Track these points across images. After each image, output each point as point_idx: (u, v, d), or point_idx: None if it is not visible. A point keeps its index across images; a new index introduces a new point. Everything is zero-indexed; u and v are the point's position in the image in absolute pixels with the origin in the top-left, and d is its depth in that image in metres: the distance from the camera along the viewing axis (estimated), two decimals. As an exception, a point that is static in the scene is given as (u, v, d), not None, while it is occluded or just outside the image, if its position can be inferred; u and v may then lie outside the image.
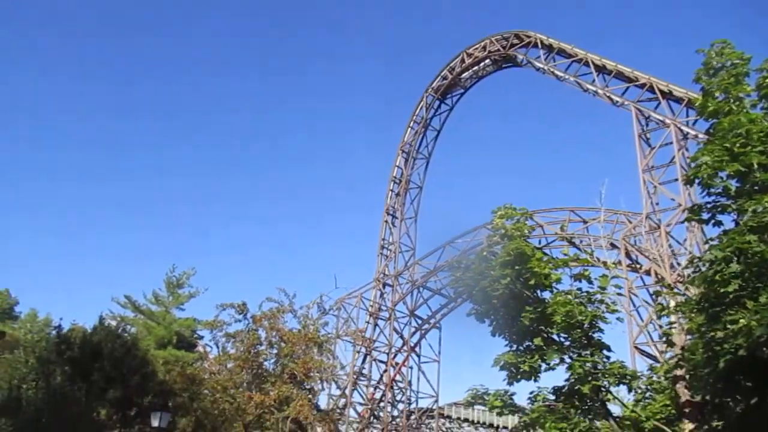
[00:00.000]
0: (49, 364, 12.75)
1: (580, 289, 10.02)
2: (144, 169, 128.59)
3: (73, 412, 11.44)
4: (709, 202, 8.84)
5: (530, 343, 10.05)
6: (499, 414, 11.21)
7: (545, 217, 36.84)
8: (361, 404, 45.77)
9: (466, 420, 52.35)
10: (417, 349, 47.27)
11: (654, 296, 15.74)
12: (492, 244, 10.69)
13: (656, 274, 28.68)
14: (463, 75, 48.29)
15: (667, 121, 33.38)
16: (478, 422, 52.52)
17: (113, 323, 29.98)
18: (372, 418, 45.55)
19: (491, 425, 51.94)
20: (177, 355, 24.61)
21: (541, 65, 40.81)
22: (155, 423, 13.16)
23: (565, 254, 10.77)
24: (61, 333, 13.98)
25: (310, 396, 17.13)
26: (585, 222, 35.84)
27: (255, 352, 17.55)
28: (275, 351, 17.82)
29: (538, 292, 10.15)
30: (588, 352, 9.63)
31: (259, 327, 17.85)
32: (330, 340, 19.29)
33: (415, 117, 50.76)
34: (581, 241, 33.55)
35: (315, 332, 18.90)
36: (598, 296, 9.87)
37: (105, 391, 12.77)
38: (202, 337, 30.55)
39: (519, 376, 10.34)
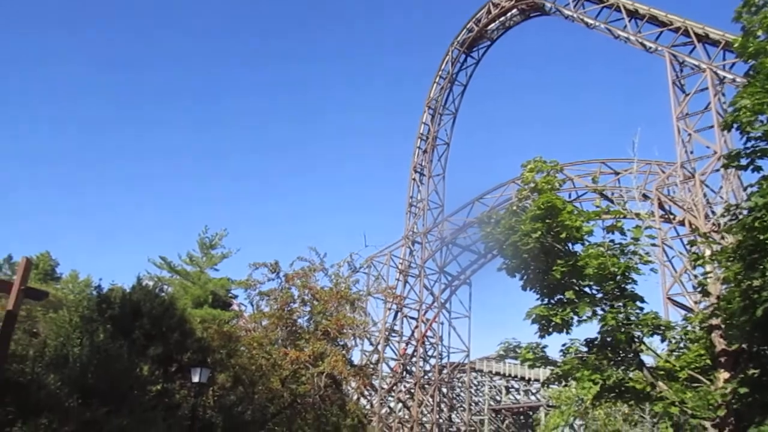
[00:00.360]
0: (92, 323, 13.23)
1: (612, 241, 9.90)
2: (180, 121, 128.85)
3: (116, 368, 11.88)
4: (747, 148, 8.55)
5: (562, 297, 10.03)
6: (531, 366, 11.29)
7: (576, 170, 36.22)
8: (393, 359, 46.64)
9: (497, 373, 53.13)
10: (447, 305, 47.70)
11: (688, 246, 15.44)
12: (522, 198, 10.59)
13: (690, 224, 28.13)
14: (490, 27, 47.07)
15: (703, 65, 32.14)
16: (509, 375, 53.24)
17: (150, 284, 30.98)
18: (404, 372, 46.43)
19: (522, 378, 52.64)
20: (213, 314, 25.22)
21: (570, 13, 39.46)
22: (195, 378, 13.58)
23: (597, 206, 10.62)
24: (101, 293, 14.46)
25: (343, 352, 17.50)
26: (617, 173, 35.18)
27: (288, 310, 17.93)
28: (308, 309, 18.17)
29: (569, 245, 10.06)
30: (621, 304, 9.57)
31: (292, 285, 18.20)
32: (361, 297, 19.53)
33: (440, 72, 49.91)
34: (613, 194, 32.98)
35: (347, 290, 19.16)
36: (631, 247, 9.75)
37: (146, 348, 13.21)
38: (236, 296, 31.26)
39: (551, 329, 10.36)
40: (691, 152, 32.28)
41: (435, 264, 47.23)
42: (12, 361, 13.39)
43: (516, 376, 53.01)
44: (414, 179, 50.18)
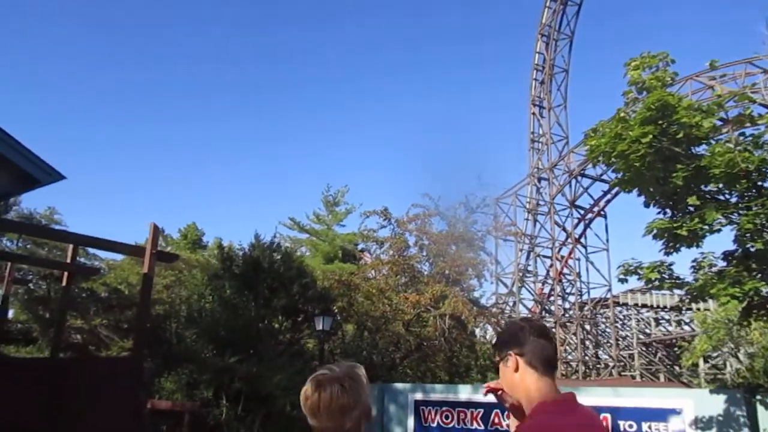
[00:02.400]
0: (219, 280, 14.12)
1: (742, 133, 8.56)
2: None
3: (243, 319, 12.60)
4: None
5: (685, 205, 8.92)
6: (658, 288, 10.27)
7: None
8: (530, 300, 45.72)
9: (644, 306, 50.19)
10: (582, 240, 45.53)
11: None
12: (629, 101, 9.46)
13: None
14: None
15: None
16: (658, 306, 50.09)
17: (287, 244, 32.76)
18: (543, 312, 45.40)
19: (673, 308, 49.29)
20: (343, 268, 26.09)
21: None
22: (319, 326, 14.02)
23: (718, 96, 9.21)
24: (224, 252, 15.36)
25: (463, 293, 17.26)
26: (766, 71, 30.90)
27: (406, 256, 17.96)
28: (425, 253, 18.08)
29: (690, 147, 8.86)
30: (758, 205, 8.27)
31: (405, 231, 18.18)
32: (480, 237, 19.10)
33: (551, -7, 46.53)
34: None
35: (464, 231, 18.80)
36: (767, 137, 8.34)
37: (270, 301, 13.86)
38: (365, 250, 32.17)
39: (677, 244, 9.32)
40: None
41: (565, 199, 45.08)
42: (157, 320, 14.80)
43: (665, 307, 49.75)
44: (533, 113, 47.79)
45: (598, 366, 45.18)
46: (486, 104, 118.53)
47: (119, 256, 25.08)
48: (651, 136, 8.50)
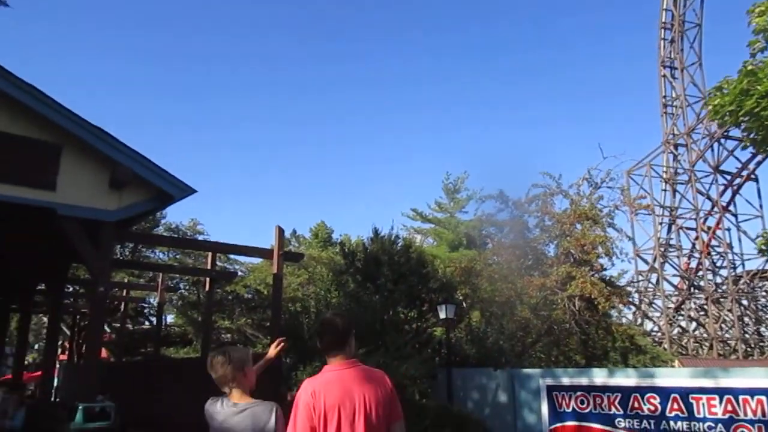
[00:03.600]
0: (342, 275, 14.69)
1: None
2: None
3: (368, 312, 12.99)
4: None
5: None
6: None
7: None
8: (675, 276, 42.59)
9: (815, 275, 44.78)
10: (731, 207, 41.60)
11: None
12: (755, 52, 8.49)
13: None
14: None
15: None
16: (832, 276, 44.48)
17: (408, 235, 33.22)
18: (691, 288, 42.08)
19: None
20: (469, 255, 26.01)
21: None
22: (442, 314, 14.10)
23: None
24: (345, 248, 15.93)
25: (593, 273, 16.49)
26: None
27: (527, 239, 17.51)
28: (548, 234, 17.51)
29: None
30: None
31: (525, 213, 17.71)
32: (608, 214, 18.08)
33: (674, -57, 42.85)
34: None
35: (591, 207, 17.95)
36: None
37: (392, 292, 14.15)
38: (488, 235, 31.76)
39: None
40: None
41: (707, 164, 41.42)
42: (292, 317, 15.70)
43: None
44: (664, 75, 44.35)
45: (762, 344, 41.09)
46: (609, 71, 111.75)
47: (257, 260, 26.93)
48: (784, 86, 7.62)
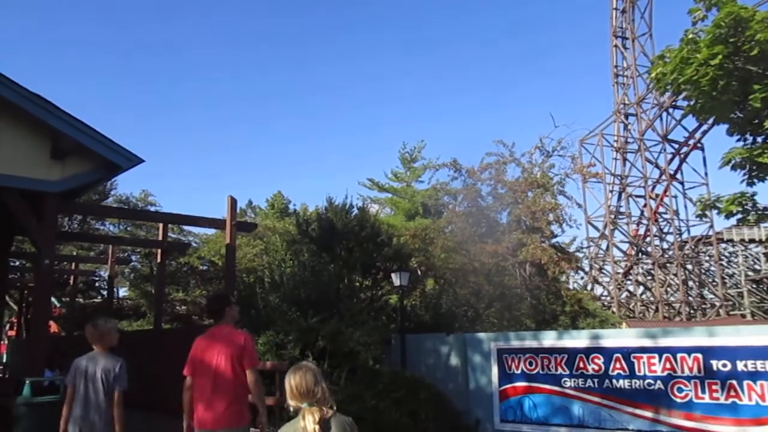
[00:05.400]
0: (297, 244, 14.65)
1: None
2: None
3: (322, 280, 13.02)
4: None
5: (765, 130, 8.21)
6: (742, 222, 9.59)
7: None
8: (624, 242, 43.99)
9: (752, 241, 46.97)
10: (678, 175, 43.02)
11: None
12: (696, 20, 8.71)
13: None
14: None
15: None
16: (768, 240, 46.77)
17: (372, 205, 33.25)
18: (639, 254, 43.59)
19: (786, 241, 45.85)
20: (425, 224, 26.24)
21: None
22: (396, 281, 14.23)
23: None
24: (299, 217, 15.85)
25: (544, 240, 16.88)
26: None
27: (480, 206, 17.77)
28: (500, 202, 17.79)
29: (767, 64, 8.07)
30: None
31: (478, 181, 17.93)
32: (558, 182, 18.47)
33: None
34: None
35: (543, 175, 18.28)
36: None
37: (347, 261, 14.21)
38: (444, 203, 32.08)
39: (760, 173, 8.64)
40: None
41: (656, 133, 42.58)
42: (246, 287, 15.62)
43: (777, 240, 46.36)
44: (616, 45, 45.10)
45: (704, 306, 43.11)
46: (562, 40, 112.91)
47: (212, 231, 26.54)
48: (721, 56, 7.83)
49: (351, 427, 2.83)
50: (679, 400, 9.23)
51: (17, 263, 24.43)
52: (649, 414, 9.45)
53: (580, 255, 25.32)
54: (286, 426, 2.84)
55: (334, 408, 2.82)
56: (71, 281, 23.98)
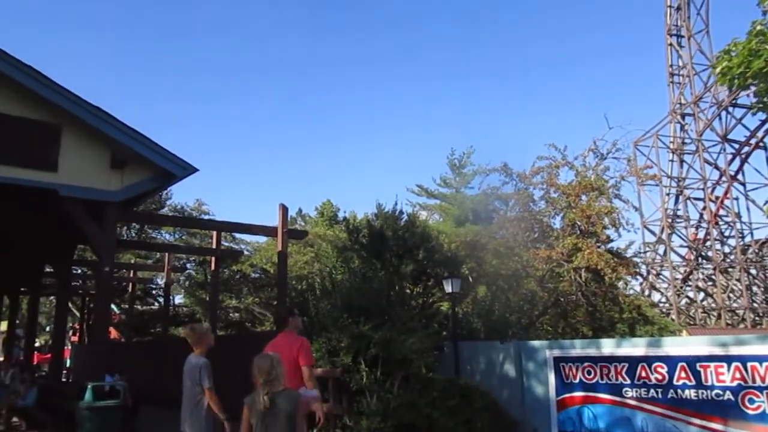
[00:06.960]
0: (347, 251, 14.65)
1: None
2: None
3: (373, 287, 12.96)
4: None
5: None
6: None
7: None
8: (683, 247, 42.42)
9: (823, 243, 44.45)
10: (739, 176, 41.23)
11: None
12: (766, 10, 8.25)
13: None
14: None
15: None
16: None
17: (421, 211, 33.13)
18: (699, 259, 41.90)
19: None
20: (474, 230, 25.90)
21: None
22: (448, 288, 14.07)
23: None
24: (349, 224, 15.86)
25: (600, 244, 16.37)
26: None
27: (533, 211, 17.39)
28: (552, 207, 17.37)
29: None
30: None
31: (529, 185, 17.55)
32: (614, 185, 17.87)
33: None
34: None
35: (597, 178, 17.77)
36: None
37: (398, 268, 14.12)
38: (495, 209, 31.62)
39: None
40: None
41: (715, 133, 40.95)
42: (298, 294, 15.72)
43: None
44: (671, 44, 43.67)
45: (771, 313, 41.07)
46: (614, 42, 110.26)
47: (263, 239, 26.96)
48: (793, 47, 7.41)
49: (294, 401, 3.95)
50: (751, 412, 8.72)
51: (79, 271, 25.38)
52: (718, 426, 8.96)
53: (638, 260, 24.50)
54: (249, 396, 3.94)
55: (283, 387, 3.95)
56: (130, 288, 24.74)
